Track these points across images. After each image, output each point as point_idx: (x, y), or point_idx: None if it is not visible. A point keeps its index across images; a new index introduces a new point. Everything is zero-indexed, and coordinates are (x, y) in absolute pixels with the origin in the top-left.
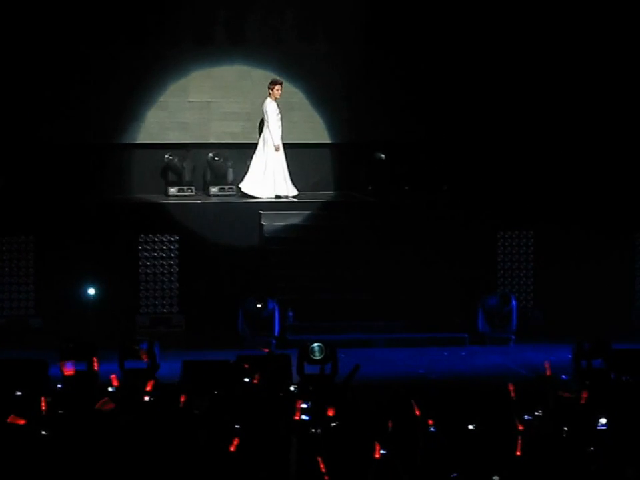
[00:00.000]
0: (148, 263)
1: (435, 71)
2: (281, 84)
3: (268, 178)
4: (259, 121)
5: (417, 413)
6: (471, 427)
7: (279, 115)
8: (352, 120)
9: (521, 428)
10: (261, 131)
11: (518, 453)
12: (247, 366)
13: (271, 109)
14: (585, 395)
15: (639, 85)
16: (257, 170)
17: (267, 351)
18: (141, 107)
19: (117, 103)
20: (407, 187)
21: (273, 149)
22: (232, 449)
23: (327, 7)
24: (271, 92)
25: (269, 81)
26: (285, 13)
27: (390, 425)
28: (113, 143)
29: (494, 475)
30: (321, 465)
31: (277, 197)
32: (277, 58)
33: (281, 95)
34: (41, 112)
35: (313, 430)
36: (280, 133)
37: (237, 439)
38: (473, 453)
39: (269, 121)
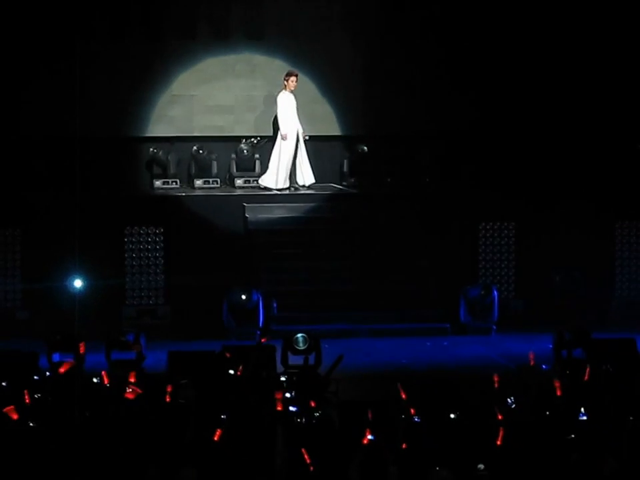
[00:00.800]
0: (134, 255)
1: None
2: (295, 75)
3: (281, 169)
4: (245, 114)
5: (403, 396)
6: (452, 415)
7: (293, 107)
8: (329, 116)
9: (500, 417)
10: (276, 124)
11: (498, 443)
12: (228, 355)
13: (282, 100)
14: (557, 384)
15: (614, 79)
16: (272, 162)
17: (264, 340)
18: (125, 101)
19: (102, 97)
20: (389, 179)
21: (289, 140)
22: (215, 438)
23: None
24: (285, 83)
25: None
26: (266, 7)
27: (370, 414)
28: (98, 137)
29: (479, 464)
30: (305, 456)
31: (293, 187)
32: (260, 52)
33: (296, 87)
34: (25, 106)
35: (298, 420)
36: (289, 124)
37: (219, 430)
38: (456, 441)
39: (278, 112)
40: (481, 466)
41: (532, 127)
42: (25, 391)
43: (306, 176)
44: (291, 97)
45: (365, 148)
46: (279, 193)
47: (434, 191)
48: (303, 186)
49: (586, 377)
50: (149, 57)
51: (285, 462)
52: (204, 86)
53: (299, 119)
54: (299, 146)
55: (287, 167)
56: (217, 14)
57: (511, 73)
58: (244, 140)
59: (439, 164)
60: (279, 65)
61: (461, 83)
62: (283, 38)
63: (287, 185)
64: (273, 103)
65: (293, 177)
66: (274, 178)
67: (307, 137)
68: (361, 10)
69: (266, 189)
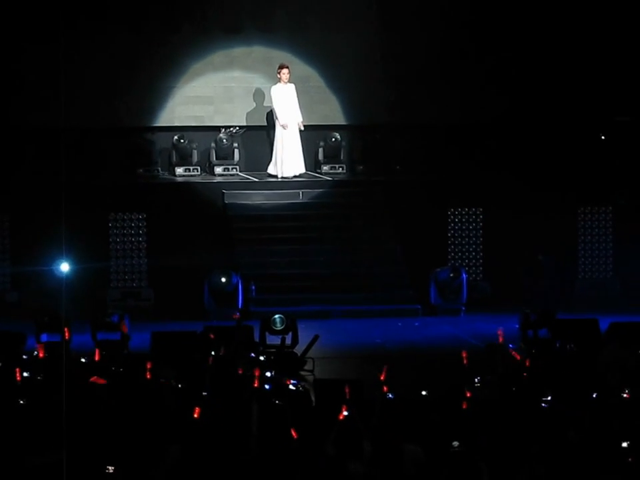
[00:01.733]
0: (118, 240)
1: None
2: (286, 67)
3: (285, 159)
4: (224, 105)
5: (382, 377)
6: (424, 392)
7: (287, 98)
8: (306, 106)
9: (469, 395)
10: (271, 116)
11: (464, 406)
12: (212, 336)
13: (274, 92)
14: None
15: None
16: (274, 152)
17: (236, 317)
18: (110, 93)
19: (88, 89)
20: (361, 167)
21: (281, 130)
22: (195, 416)
23: None
24: (278, 76)
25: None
26: (244, 2)
27: (347, 390)
28: (84, 127)
29: (454, 441)
30: (293, 433)
31: (294, 175)
32: (238, 44)
33: (289, 79)
34: (14, 96)
35: (274, 398)
36: (285, 114)
37: (198, 407)
38: (427, 417)
39: (272, 104)
40: (456, 443)
41: (499, 116)
42: (17, 370)
43: (296, 166)
44: (285, 88)
45: (339, 136)
46: (257, 180)
47: (405, 178)
48: (295, 175)
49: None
50: (131, 50)
51: (261, 438)
52: (184, 78)
53: (301, 109)
54: (291, 135)
55: (291, 156)
56: (196, 8)
57: (483, 62)
58: (223, 129)
59: (410, 153)
60: (255, 57)
61: (436, 74)
62: (260, 31)
63: (292, 173)
64: (251, 93)
65: (285, 166)
66: (277, 167)
67: (301, 128)
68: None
69: (270, 176)
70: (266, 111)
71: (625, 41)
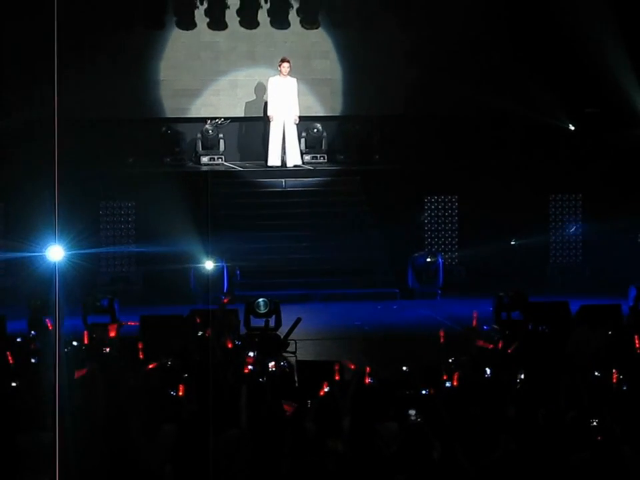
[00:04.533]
0: (108, 227)
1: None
2: (287, 62)
3: (271, 149)
4: (210, 97)
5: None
6: (405, 368)
7: (282, 91)
8: None
9: (445, 377)
10: (265, 107)
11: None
12: (199, 320)
13: (270, 83)
14: (500, 344)
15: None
16: (271, 143)
17: (225, 301)
18: (101, 86)
19: (81, 81)
20: (342, 157)
21: (275, 122)
22: (180, 394)
23: None
24: (279, 68)
25: None
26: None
27: (337, 367)
28: (76, 118)
29: (410, 409)
30: (287, 407)
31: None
32: (223, 40)
33: (289, 73)
34: (6, 89)
35: (260, 379)
36: (274, 106)
37: (182, 385)
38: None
39: (267, 94)
40: (412, 411)
41: (472, 107)
42: (8, 353)
43: (293, 157)
44: (284, 81)
45: (320, 127)
46: (241, 169)
47: (383, 167)
48: (295, 165)
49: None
50: (120, 45)
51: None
52: (172, 71)
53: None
54: (285, 128)
55: (275, 147)
56: (184, 5)
57: (458, 54)
58: (209, 121)
59: (388, 143)
60: (240, 52)
61: (412, 65)
62: (244, 26)
63: (279, 163)
64: (236, 86)
65: (284, 156)
66: (279, 157)
67: (296, 121)
68: None
69: (270, 167)
70: (250, 104)
71: (596, 31)
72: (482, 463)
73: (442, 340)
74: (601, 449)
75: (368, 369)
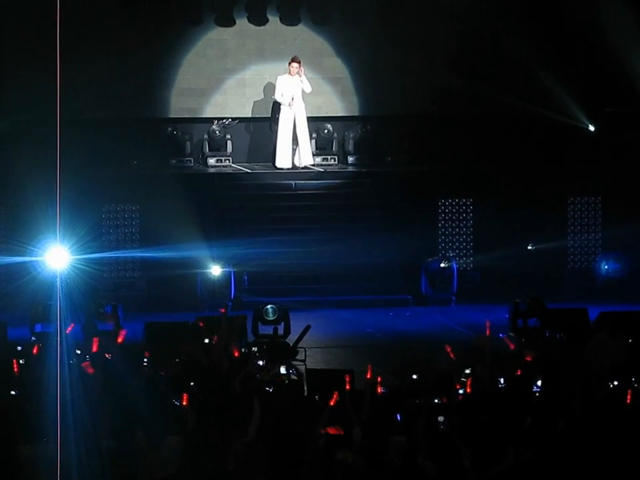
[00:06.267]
0: (111, 231)
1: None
2: (297, 62)
3: (279, 150)
4: (217, 97)
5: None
6: (415, 376)
7: (291, 90)
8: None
9: (458, 387)
10: (274, 107)
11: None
12: (204, 325)
13: (277, 82)
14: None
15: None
16: (279, 144)
17: (222, 311)
18: (105, 85)
19: (84, 81)
20: (353, 158)
21: (284, 121)
22: (184, 403)
23: None
24: (290, 68)
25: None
26: None
27: (348, 378)
28: (78, 119)
29: (439, 416)
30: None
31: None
32: (230, 37)
33: (298, 73)
34: (8, 91)
35: (267, 388)
36: (280, 106)
37: (186, 395)
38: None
39: (274, 93)
40: (441, 418)
41: (489, 108)
42: (14, 360)
43: (305, 157)
44: (291, 80)
45: (331, 128)
46: (249, 171)
47: (396, 169)
48: (299, 166)
49: (539, 349)
50: (126, 42)
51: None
52: (177, 69)
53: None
54: (296, 128)
55: (284, 148)
56: (190, 0)
57: (475, 54)
58: (216, 121)
59: (401, 144)
60: (249, 49)
61: (427, 65)
62: (253, 23)
63: (288, 164)
64: (244, 85)
65: (293, 157)
66: (289, 157)
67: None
68: None
69: (278, 169)
70: (258, 103)
71: (617, 29)
72: (486, 473)
73: (452, 355)
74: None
75: (379, 378)
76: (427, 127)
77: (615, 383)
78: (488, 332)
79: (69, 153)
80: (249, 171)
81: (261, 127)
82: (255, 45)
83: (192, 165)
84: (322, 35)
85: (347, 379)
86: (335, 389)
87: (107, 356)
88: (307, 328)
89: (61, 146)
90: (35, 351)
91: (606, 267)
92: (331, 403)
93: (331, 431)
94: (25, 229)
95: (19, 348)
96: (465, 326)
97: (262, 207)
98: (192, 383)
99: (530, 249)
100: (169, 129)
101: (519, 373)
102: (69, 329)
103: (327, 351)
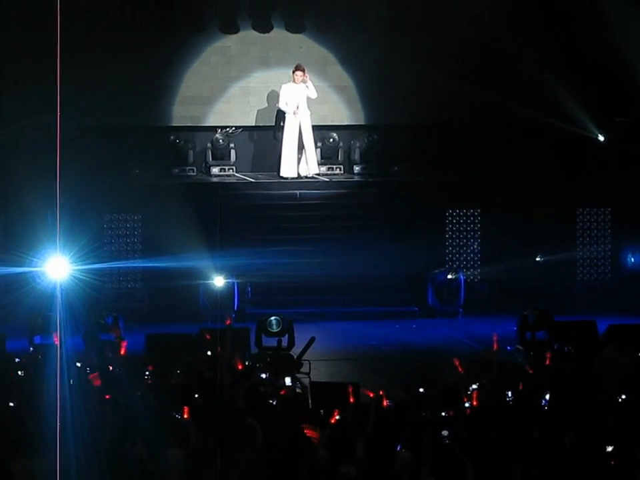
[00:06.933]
0: (113, 241)
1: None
2: (301, 70)
3: (284, 159)
4: (220, 105)
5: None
6: (421, 390)
7: (296, 98)
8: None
9: (465, 400)
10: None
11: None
12: (208, 337)
13: (282, 90)
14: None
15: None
16: (285, 153)
17: (228, 322)
18: (106, 93)
19: (85, 89)
20: (359, 168)
21: (289, 130)
22: (185, 416)
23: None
24: (294, 77)
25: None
26: (241, 2)
27: (350, 389)
28: (80, 126)
29: (443, 430)
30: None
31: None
32: (234, 44)
33: (303, 80)
34: (7, 98)
35: (271, 401)
36: (284, 114)
37: (187, 407)
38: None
39: (278, 102)
40: (445, 432)
41: (497, 117)
42: (11, 374)
43: (310, 166)
44: (296, 88)
45: (336, 137)
46: (253, 181)
47: (403, 179)
48: (306, 176)
49: (547, 362)
50: (128, 50)
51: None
52: (180, 77)
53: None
54: (302, 136)
55: (290, 157)
56: (194, 7)
57: (482, 64)
58: (219, 130)
59: (408, 154)
60: (253, 57)
61: (434, 74)
62: (257, 30)
63: (293, 174)
64: (248, 93)
65: (298, 166)
66: (295, 166)
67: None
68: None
69: (281, 177)
70: (262, 112)
71: (627, 38)
72: None
73: (460, 369)
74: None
75: (381, 392)
76: (434, 137)
77: (624, 396)
78: (495, 346)
79: (69, 161)
80: (253, 180)
81: (265, 136)
82: (260, 53)
83: (195, 174)
84: (327, 42)
85: (350, 391)
86: (340, 402)
87: (110, 368)
88: (312, 340)
89: (62, 154)
90: (33, 362)
91: (632, 259)
92: (332, 421)
93: (308, 432)
94: (25, 238)
95: (17, 360)
96: (472, 338)
97: (266, 217)
98: (196, 395)
99: (538, 261)
100: (172, 137)
101: (525, 387)
102: (56, 339)
103: (332, 363)
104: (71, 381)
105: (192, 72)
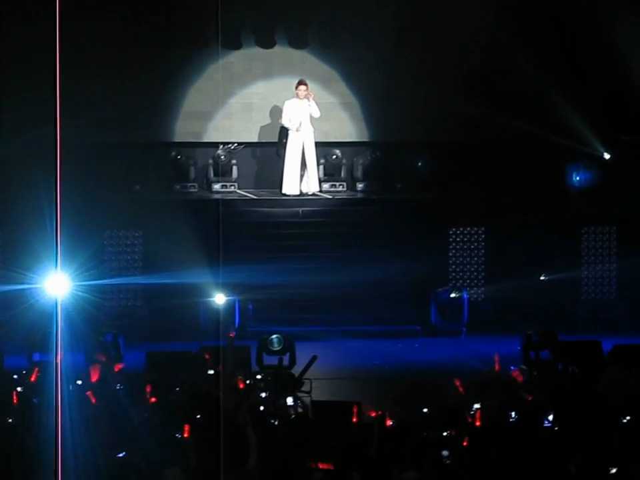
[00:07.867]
0: (113, 258)
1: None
2: (304, 84)
3: (286, 176)
4: (222, 121)
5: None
6: (425, 410)
7: (299, 114)
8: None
9: (469, 421)
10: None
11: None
12: (207, 357)
13: (285, 106)
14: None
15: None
16: (287, 169)
17: (232, 335)
18: (106, 108)
19: (84, 103)
20: (362, 185)
21: (292, 147)
22: (185, 435)
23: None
24: (297, 92)
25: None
26: (244, 17)
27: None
28: (79, 142)
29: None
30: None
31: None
32: (237, 59)
33: (307, 97)
34: (6, 110)
35: (272, 420)
36: (287, 131)
37: (187, 426)
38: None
39: (282, 118)
40: (445, 452)
41: (502, 135)
42: (14, 393)
43: (310, 183)
44: (299, 104)
45: (339, 154)
46: (255, 198)
47: (406, 196)
48: (307, 193)
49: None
50: (130, 64)
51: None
52: (182, 93)
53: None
54: (305, 153)
55: (292, 174)
56: (195, 22)
57: (488, 81)
58: (221, 146)
59: (411, 171)
60: (256, 73)
61: (438, 92)
62: (260, 45)
63: (296, 191)
64: (250, 109)
65: (300, 183)
66: (297, 183)
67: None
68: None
69: (284, 194)
70: (265, 128)
71: (633, 54)
72: None
73: (460, 390)
74: None
75: (380, 412)
76: (438, 154)
77: (629, 417)
78: (497, 366)
79: (69, 177)
80: (255, 197)
81: (268, 152)
82: (263, 69)
83: (196, 190)
84: (331, 58)
85: (355, 410)
86: (342, 421)
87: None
88: (313, 359)
89: (62, 170)
90: (32, 378)
91: None
92: (322, 467)
93: (321, 465)
94: (24, 254)
95: (15, 376)
96: (476, 358)
97: (268, 234)
98: (198, 416)
99: (543, 280)
100: (173, 153)
101: (528, 407)
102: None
103: (334, 382)
104: (70, 399)
105: (194, 87)
